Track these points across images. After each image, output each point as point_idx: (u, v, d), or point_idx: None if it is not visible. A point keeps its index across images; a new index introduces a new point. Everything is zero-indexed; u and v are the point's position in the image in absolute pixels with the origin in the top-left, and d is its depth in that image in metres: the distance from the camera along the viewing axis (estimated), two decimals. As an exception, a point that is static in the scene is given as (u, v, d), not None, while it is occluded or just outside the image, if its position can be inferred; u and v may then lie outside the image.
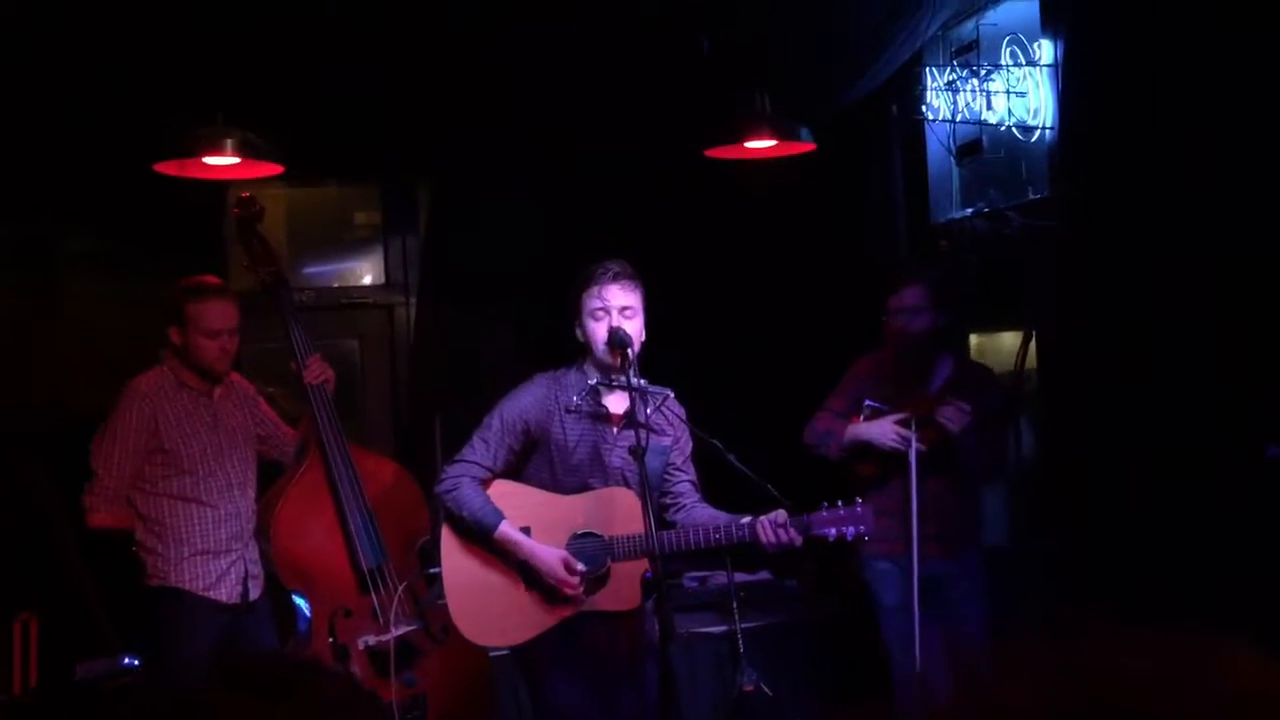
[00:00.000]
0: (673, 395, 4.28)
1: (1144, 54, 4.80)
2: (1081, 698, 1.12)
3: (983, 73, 5.77)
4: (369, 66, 5.37)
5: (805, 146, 5.26)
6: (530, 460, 4.25)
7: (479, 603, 4.20)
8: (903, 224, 6.41)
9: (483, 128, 6.14)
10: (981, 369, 5.51)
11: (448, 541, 4.22)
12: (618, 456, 4.18)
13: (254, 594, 4.76)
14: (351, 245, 7.44)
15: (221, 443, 4.74)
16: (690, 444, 4.36)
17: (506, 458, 4.24)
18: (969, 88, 5.83)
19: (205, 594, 4.63)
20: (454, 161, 6.60)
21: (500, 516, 4.15)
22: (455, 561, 4.21)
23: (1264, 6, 4.41)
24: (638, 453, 3.95)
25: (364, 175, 7.24)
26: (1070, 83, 5.29)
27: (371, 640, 4.65)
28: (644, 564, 4.11)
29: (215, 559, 4.66)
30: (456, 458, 4.26)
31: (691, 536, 4.09)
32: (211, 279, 4.84)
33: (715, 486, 4.36)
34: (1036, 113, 5.53)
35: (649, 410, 4.21)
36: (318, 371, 4.87)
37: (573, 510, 4.18)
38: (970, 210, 6.04)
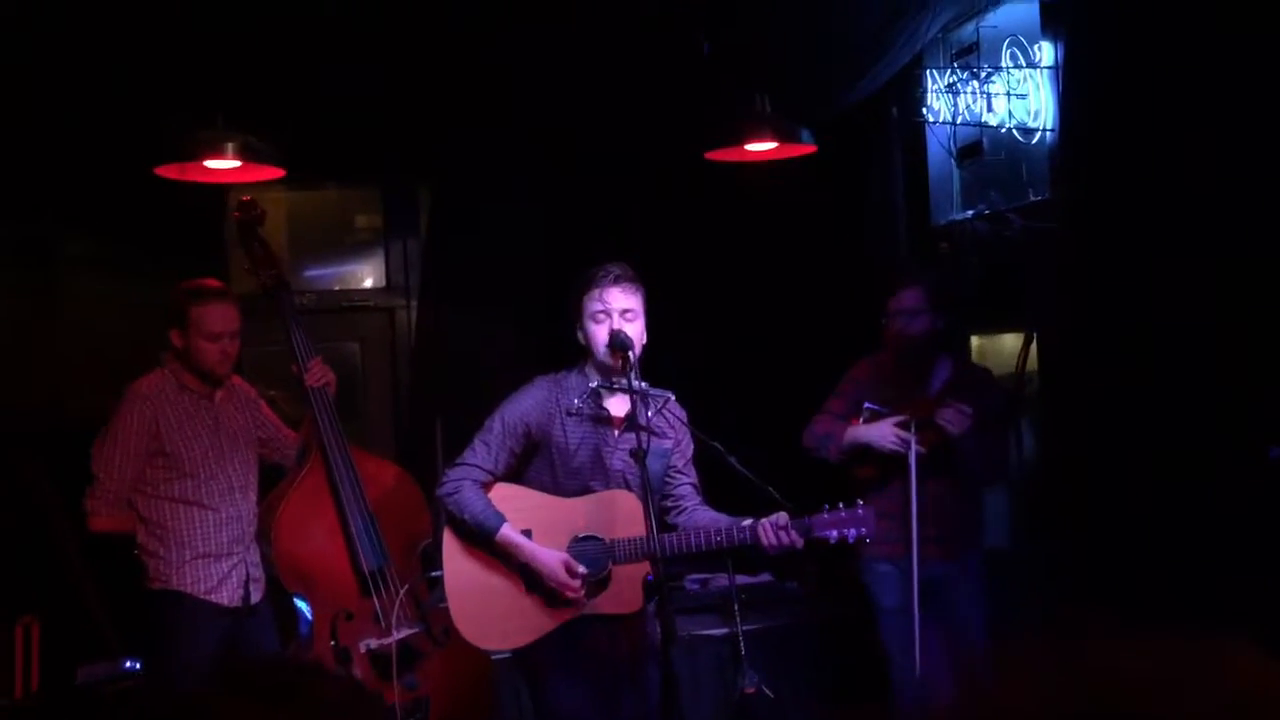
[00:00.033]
0: (674, 398, 4.28)
1: (1144, 56, 4.81)
2: (1082, 699, 1.12)
3: (983, 75, 5.77)
4: (369, 66, 5.36)
5: (806, 148, 5.27)
6: (531, 463, 4.25)
7: (480, 605, 4.19)
8: (903, 226, 6.41)
9: (483, 130, 6.14)
10: (980, 371, 5.51)
11: (449, 544, 4.22)
12: (619, 459, 4.18)
13: (255, 597, 4.76)
14: (352, 248, 7.44)
15: (223, 446, 4.74)
16: (691, 446, 4.36)
17: (508, 460, 4.24)
18: (969, 90, 5.84)
19: (207, 597, 4.63)
20: (454, 164, 6.60)
21: (501, 519, 4.15)
22: (457, 564, 4.21)
23: (1264, 7, 4.41)
24: (639, 455, 3.95)
25: (364, 178, 7.25)
26: (1070, 85, 5.30)
27: (373, 643, 4.65)
28: (645, 566, 4.11)
29: (217, 562, 4.66)
30: (458, 461, 4.26)
31: (693, 539, 4.09)
32: (212, 282, 4.84)
33: (716, 489, 4.36)
34: (1037, 115, 5.53)
35: (650, 413, 4.20)
36: (319, 374, 4.87)
37: (574, 513, 4.18)
38: (971, 212, 6.04)
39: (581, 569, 4.11)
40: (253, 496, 4.82)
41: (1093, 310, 5.08)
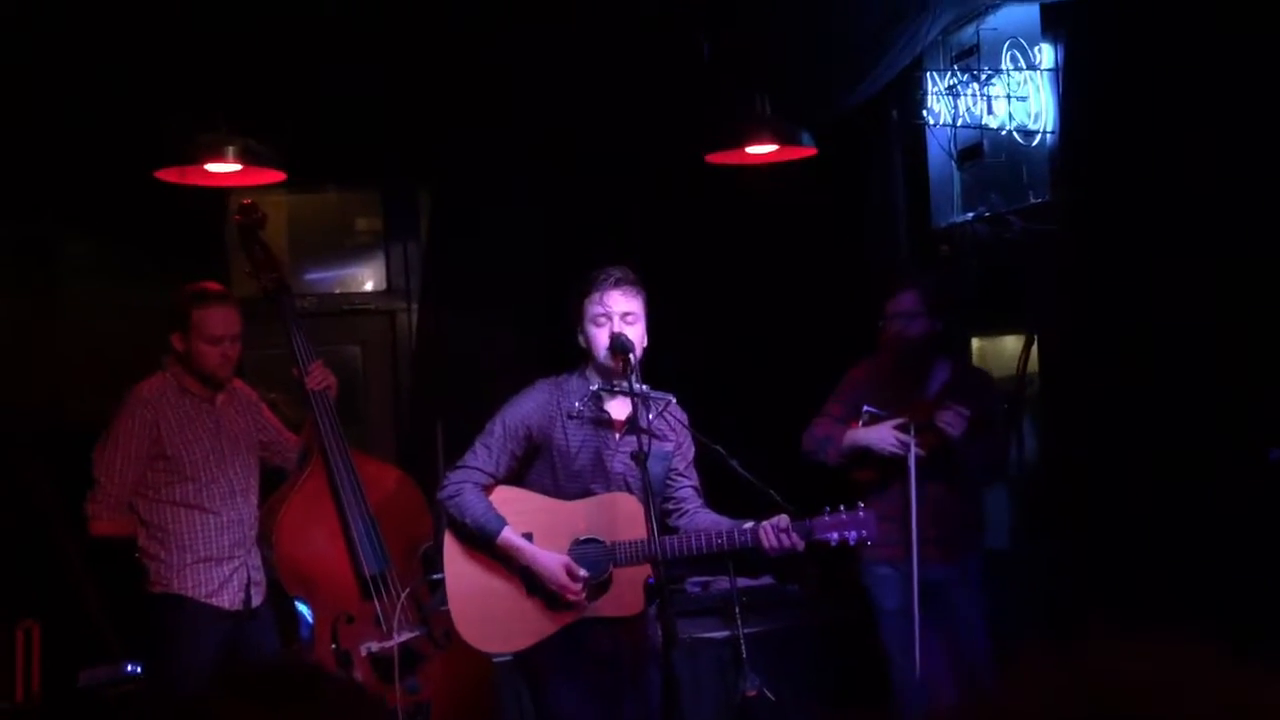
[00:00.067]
0: (675, 401, 4.28)
1: (1144, 58, 4.81)
2: (1082, 701, 1.12)
3: (983, 77, 5.77)
4: (369, 66, 5.36)
5: (806, 151, 5.27)
6: (532, 466, 4.25)
7: (482, 608, 4.19)
8: (903, 228, 6.41)
9: (483, 132, 6.14)
10: (978, 373, 5.51)
11: (450, 547, 4.22)
12: (620, 462, 4.18)
13: (256, 600, 4.75)
14: (353, 251, 7.44)
15: (224, 449, 4.74)
16: (693, 449, 4.36)
17: (509, 463, 4.24)
18: (970, 92, 5.84)
19: (208, 601, 4.63)
20: (454, 166, 6.60)
21: (503, 522, 4.15)
22: (458, 567, 4.21)
23: (1264, 10, 4.41)
24: (640, 458, 3.95)
25: (365, 181, 7.25)
26: (1071, 87, 5.30)
27: (374, 646, 4.65)
28: (646, 569, 4.11)
29: (218, 566, 4.66)
30: (459, 464, 4.26)
31: (694, 542, 4.09)
32: (214, 285, 4.84)
33: (717, 491, 4.36)
34: (1037, 117, 5.54)
35: (651, 416, 4.21)
36: (320, 377, 4.87)
37: (575, 516, 4.18)
38: (971, 214, 6.04)
39: (582, 572, 4.11)
40: (254, 500, 4.82)
41: (1093, 312, 5.09)
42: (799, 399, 5.32)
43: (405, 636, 4.66)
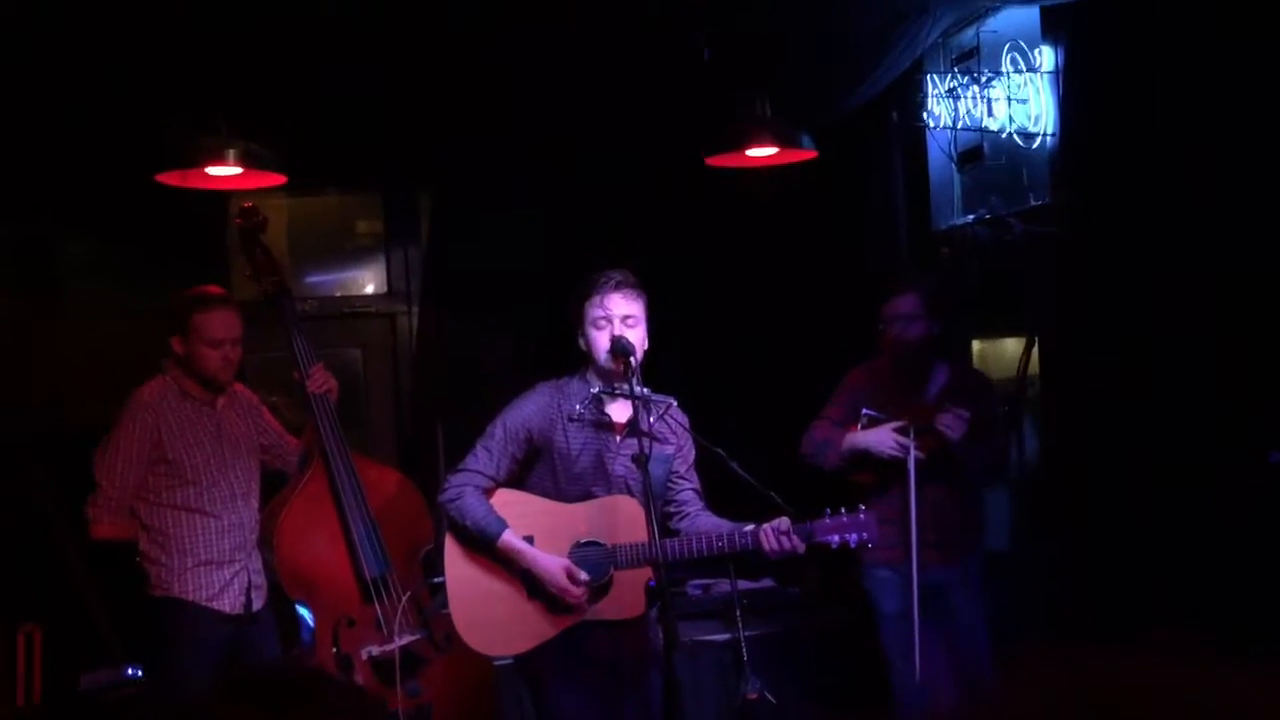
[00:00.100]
0: (675, 403, 4.28)
1: (1144, 60, 4.81)
2: (1082, 704, 1.12)
3: (984, 79, 5.78)
4: (369, 67, 5.36)
5: (806, 154, 5.27)
6: (533, 469, 4.26)
7: (483, 612, 4.20)
8: (904, 231, 6.41)
9: (483, 134, 6.14)
10: (977, 375, 5.51)
11: (451, 550, 4.23)
12: (621, 465, 4.18)
13: (257, 604, 4.75)
14: (353, 254, 7.45)
15: (225, 453, 4.74)
16: (693, 452, 4.36)
17: (509, 466, 4.24)
18: (970, 94, 5.85)
19: (209, 604, 4.63)
20: (455, 169, 6.60)
21: (503, 525, 4.15)
22: (459, 570, 4.21)
23: (1264, 13, 4.41)
24: (641, 461, 3.95)
25: (365, 184, 7.25)
26: (1071, 89, 5.30)
27: (375, 650, 4.65)
28: (647, 572, 4.11)
29: (219, 569, 4.66)
30: (459, 466, 4.26)
31: (695, 545, 4.09)
32: (214, 289, 4.84)
33: (718, 494, 4.36)
34: (1037, 119, 5.54)
35: (652, 418, 4.21)
36: (320, 381, 4.87)
37: (576, 518, 4.18)
38: (972, 217, 6.05)
39: (583, 576, 4.11)
40: (255, 503, 4.82)
41: (1093, 314, 5.09)
42: (800, 401, 5.32)
43: (406, 640, 4.66)
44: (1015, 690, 1.19)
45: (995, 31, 5.76)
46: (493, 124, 5.97)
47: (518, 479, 4.27)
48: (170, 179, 4.88)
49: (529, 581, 4.16)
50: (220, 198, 5.94)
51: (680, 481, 4.31)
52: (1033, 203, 5.63)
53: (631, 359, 4.07)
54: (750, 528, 4.07)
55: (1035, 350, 5.31)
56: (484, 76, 5.50)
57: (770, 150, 5.20)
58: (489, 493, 4.22)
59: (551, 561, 4.13)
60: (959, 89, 5.91)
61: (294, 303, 5.04)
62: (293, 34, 5.04)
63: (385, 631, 4.69)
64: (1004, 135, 5.74)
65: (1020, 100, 5.61)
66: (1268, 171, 4.46)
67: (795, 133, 5.16)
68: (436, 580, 4.54)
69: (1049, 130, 5.49)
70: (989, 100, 5.75)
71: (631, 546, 4.11)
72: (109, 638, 5.11)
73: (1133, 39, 4.87)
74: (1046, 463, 5.65)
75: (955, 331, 5.71)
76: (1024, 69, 5.58)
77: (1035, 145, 5.59)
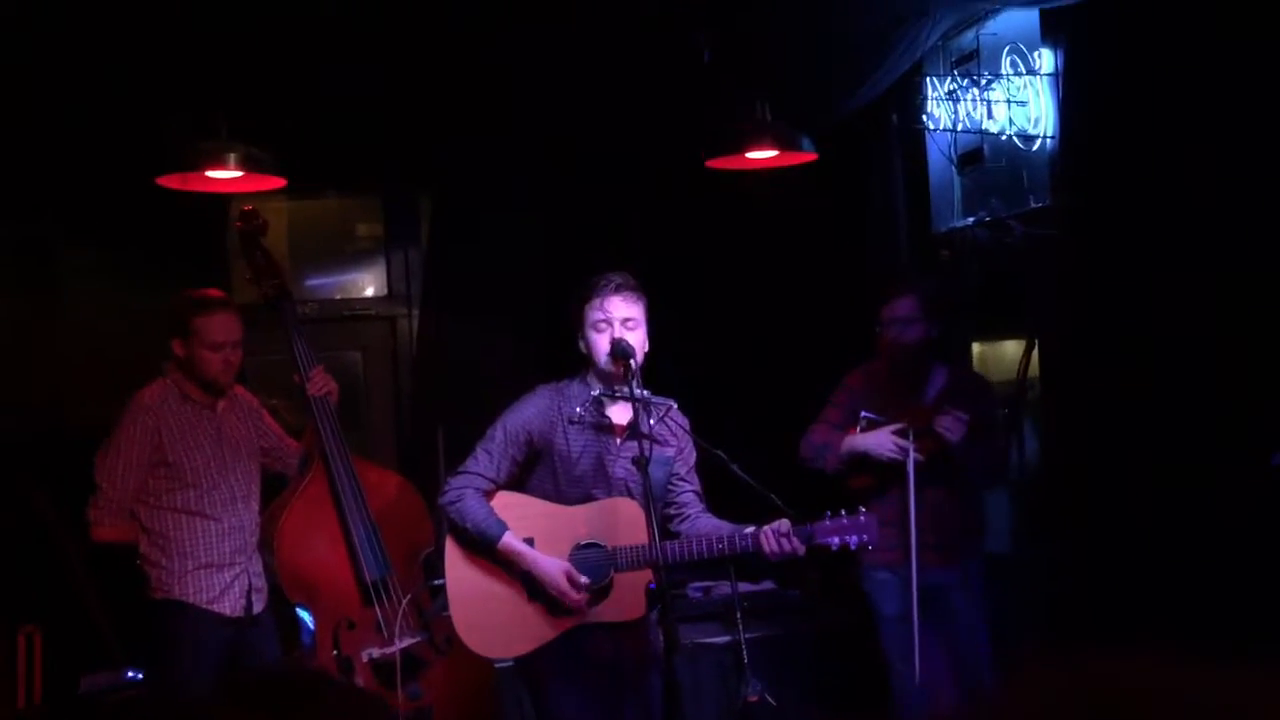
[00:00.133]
0: (676, 406, 4.28)
1: (1144, 62, 4.81)
2: (1083, 706, 1.12)
3: (983, 82, 5.78)
4: (369, 67, 5.36)
5: (807, 156, 5.27)
6: (533, 471, 4.26)
7: (483, 614, 4.20)
8: (904, 233, 6.42)
9: (483, 136, 6.14)
10: (975, 377, 5.51)
11: (451, 553, 4.23)
12: (621, 467, 4.18)
13: (258, 607, 4.75)
14: (353, 257, 7.45)
15: (225, 456, 4.74)
16: (694, 454, 4.36)
17: (510, 469, 4.24)
18: (970, 97, 5.85)
19: (209, 607, 4.63)
20: (455, 172, 6.60)
21: (504, 528, 4.15)
22: (459, 573, 4.22)
23: (1264, 15, 4.41)
24: (641, 463, 3.96)
25: (366, 187, 7.26)
26: (1071, 91, 5.30)
27: (376, 653, 4.65)
28: (647, 574, 4.11)
29: (219, 572, 4.66)
30: (460, 469, 4.27)
31: (695, 547, 4.09)
32: (214, 292, 4.84)
33: (719, 496, 4.36)
34: (1037, 122, 5.54)
35: (652, 421, 4.21)
36: (321, 384, 4.87)
37: (576, 520, 4.18)
38: (972, 219, 6.05)
39: (583, 579, 4.11)
40: (255, 506, 4.82)
41: (1093, 316, 5.09)
42: (800, 404, 5.32)
43: (407, 642, 4.66)
44: (1015, 692, 1.19)
45: (995, 34, 5.76)
46: (493, 125, 5.97)
47: (518, 481, 4.27)
48: (171, 182, 4.88)
49: (529, 584, 4.17)
50: (221, 201, 5.93)
51: (681, 483, 4.31)
52: (1032, 205, 5.63)
53: (631, 361, 4.07)
54: (750, 530, 4.07)
55: (1035, 352, 5.31)
56: (484, 77, 5.50)
57: (770, 152, 5.20)
58: (489, 495, 4.22)
59: (552, 564, 4.13)
60: (959, 91, 5.91)
61: (294, 306, 5.04)
62: (293, 34, 5.04)
63: (386, 634, 4.69)
64: (1004, 137, 5.74)
65: (1020, 103, 5.61)
66: (1268, 173, 4.46)
67: (795, 135, 5.16)
68: (437, 582, 4.54)
69: (1049, 132, 5.49)
70: (989, 103, 5.75)
71: (632, 549, 4.11)
72: (109, 640, 5.11)
73: (1132, 41, 4.87)
74: (1047, 465, 5.65)
75: (954, 334, 5.71)
76: (1023, 71, 5.58)
77: (1035, 147, 5.59)
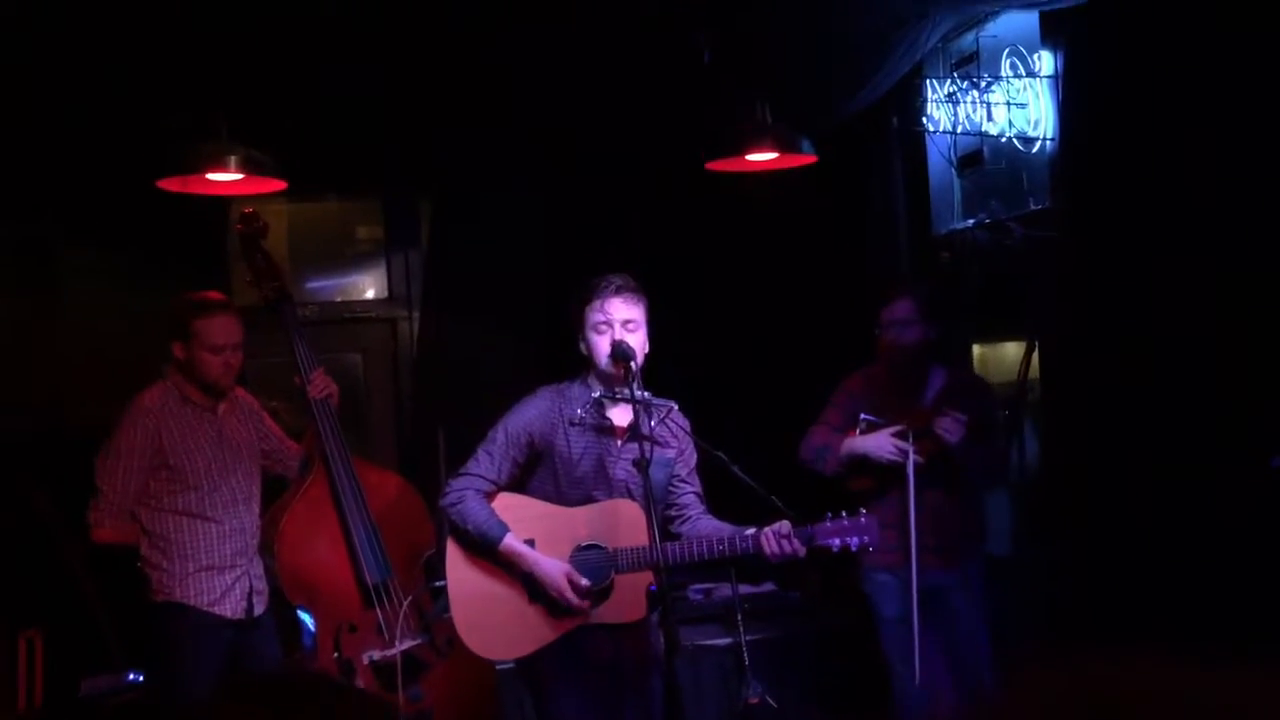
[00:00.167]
0: (676, 408, 4.29)
1: (1144, 64, 4.81)
2: (1083, 708, 1.13)
3: (983, 84, 5.78)
4: (369, 67, 5.36)
5: (807, 158, 5.27)
6: (534, 473, 4.26)
7: (484, 615, 4.20)
8: (904, 235, 6.42)
9: (484, 139, 6.15)
10: (974, 379, 5.51)
11: (453, 555, 4.23)
12: (622, 469, 4.19)
13: (258, 609, 4.75)
14: (354, 259, 7.46)
15: (226, 458, 4.74)
16: (695, 456, 4.36)
17: (511, 470, 4.24)
18: (969, 99, 5.85)
19: (210, 609, 4.63)
20: (455, 174, 6.61)
21: (505, 529, 4.15)
22: (460, 574, 4.22)
23: (1265, 16, 4.41)
24: (642, 465, 3.96)
25: (366, 189, 7.26)
26: (1070, 94, 5.31)
27: (376, 655, 4.65)
28: (648, 576, 4.11)
29: (220, 574, 4.66)
30: (461, 471, 4.27)
31: (695, 548, 4.09)
32: (215, 294, 4.85)
33: (719, 498, 4.37)
34: (1037, 124, 5.54)
35: (653, 422, 4.21)
36: (321, 386, 4.87)
37: (576, 522, 4.19)
38: (972, 221, 6.05)
39: (584, 581, 4.11)
40: (256, 509, 4.82)
41: (1094, 318, 5.09)
42: (801, 405, 5.32)
43: (407, 645, 4.66)
44: (1016, 693, 1.20)
45: (995, 36, 5.76)
46: (493, 126, 5.97)
47: (519, 483, 4.28)
48: (171, 185, 4.88)
49: (530, 585, 4.17)
50: (221, 203, 5.94)
51: (682, 485, 4.31)
52: (1032, 207, 5.64)
53: (632, 363, 4.07)
54: (751, 531, 4.07)
55: (1035, 354, 5.31)
56: (484, 77, 5.50)
57: (770, 155, 5.20)
58: (490, 497, 4.22)
59: (552, 565, 4.13)
60: (959, 94, 5.92)
61: (295, 308, 5.04)
62: (293, 34, 5.05)
63: (387, 637, 4.69)
64: (1004, 140, 5.74)
65: (1020, 105, 5.61)
66: (1268, 176, 4.46)
67: (795, 137, 5.16)
68: (438, 584, 4.54)
69: (1048, 135, 5.49)
70: (988, 105, 5.75)
71: (632, 550, 4.11)
72: (110, 643, 5.11)
73: (1132, 43, 4.87)
74: (1047, 466, 5.65)
75: (953, 336, 5.71)
76: (1023, 74, 5.59)
77: (1035, 150, 5.59)
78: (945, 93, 5.99)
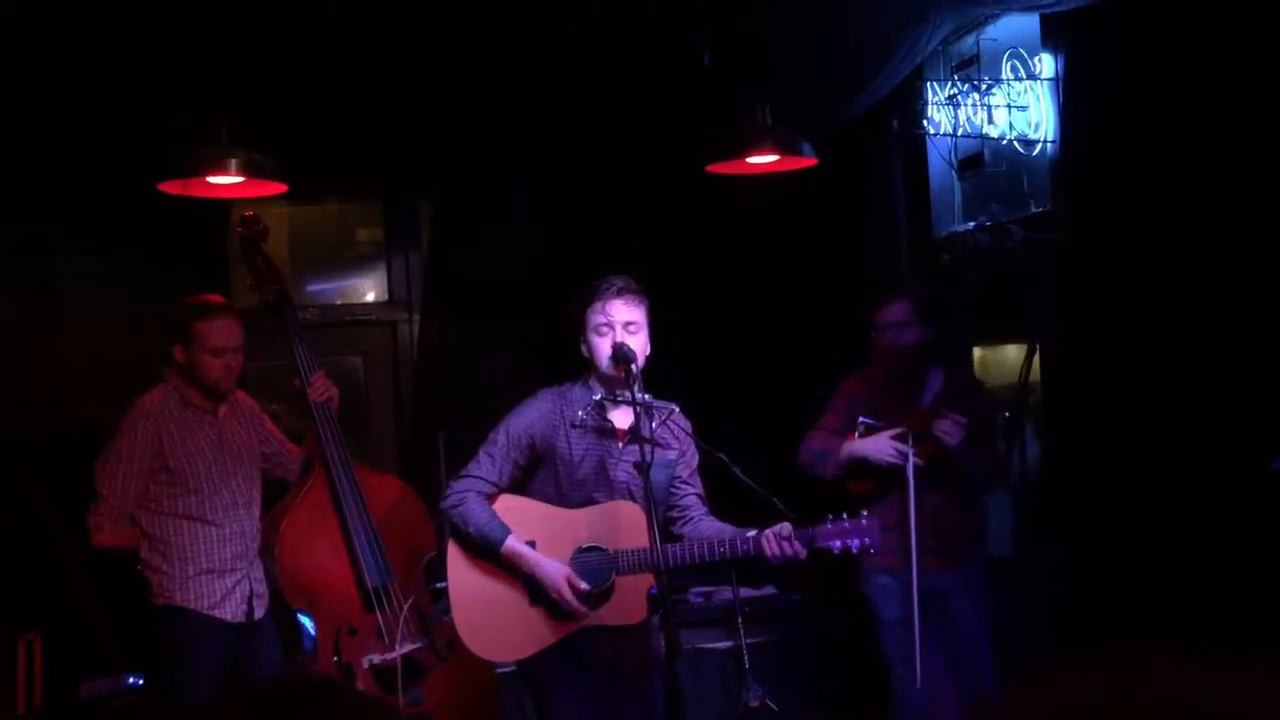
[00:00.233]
0: (678, 409, 4.28)
1: (1144, 67, 4.82)
2: (1084, 709, 1.13)
3: (984, 87, 5.79)
4: (369, 67, 5.36)
5: (807, 161, 5.27)
6: (536, 475, 4.26)
7: (486, 617, 4.19)
8: (904, 238, 6.42)
9: (484, 141, 6.15)
10: (972, 380, 5.51)
11: (454, 557, 4.23)
12: (623, 471, 4.18)
13: (259, 613, 4.75)
14: (354, 262, 7.46)
15: (226, 461, 4.74)
16: (696, 458, 4.36)
17: (512, 472, 4.24)
18: (970, 102, 5.85)
19: (210, 613, 4.63)
20: (455, 176, 6.61)
21: (506, 531, 4.15)
22: (461, 577, 4.21)
23: (1264, 19, 4.42)
24: (643, 467, 3.95)
25: (366, 192, 7.26)
26: (1071, 96, 5.31)
27: (376, 659, 4.65)
28: (649, 578, 4.11)
29: (220, 578, 4.66)
30: (462, 473, 4.26)
31: (696, 550, 4.09)
32: (215, 297, 4.84)
33: (720, 499, 4.36)
34: (1037, 126, 5.55)
35: (654, 424, 4.21)
36: (322, 389, 4.87)
37: (577, 524, 4.18)
38: (972, 224, 6.05)
39: (584, 585, 4.11)
40: (256, 512, 4.82)
41: (1094, 321, 5.09)
42: (802, 407, 5.32)
43: (408, 648, 4.66)
44: (1017, 695, 1.19)
45: (995, 39, 5.77)
46: (493, 130, 5.97)
47: (519, 485, 4.27)
48: (171, 188, 4.88)
49: (531, 587, 4.17)
50: (221, 206, 5.94)
51: (683, 487, 4.31)
52: (1033, 209, 5.64)
53: (633, 365, 4.07)
54: (752, 533, 4.07)
55: (1036, 357, 5.31)
56: (484, 78, 5.50)
57: (771, 158, 5.20)
58: (491, 499, 4.22)
59: (553, 568, 4.13)
60: (959, 96, 5.92)
61: (295, 311, 5.04)
62: (293, 35, 5.05)
63: (387, 640, 4.69)
64: (1004, 142, 5.74)
65: (1020, 107, 5.61)
66: (1268, 177, 4.47)
67: (796, 140, 5.16)
68: (439, 586, 4.54)
69: (1049, 137, 5.49)
70: (989, 107, 5.76)
71: (633, 552, 4.11)
72: (110, 646, 5.11)
73: (1132, 46, 4.87)
74: (1048, 469, 5.65)
75: (950, 337, 5.71)
76: (1024, 76, 5.59)
77: (1035, 152, 5.59)
78: (946, 95, 5.99)
